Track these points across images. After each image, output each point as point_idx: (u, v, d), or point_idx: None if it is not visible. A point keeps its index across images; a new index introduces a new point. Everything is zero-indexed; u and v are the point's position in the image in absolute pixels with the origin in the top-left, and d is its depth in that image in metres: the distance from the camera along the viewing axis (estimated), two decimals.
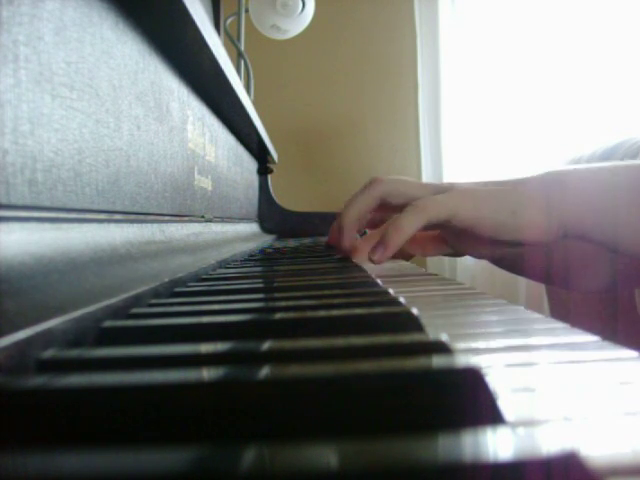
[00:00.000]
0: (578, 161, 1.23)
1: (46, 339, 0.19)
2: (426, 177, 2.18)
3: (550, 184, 0.48)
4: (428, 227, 0.48)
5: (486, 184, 0.51)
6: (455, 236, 0.53)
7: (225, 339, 0.20)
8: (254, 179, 1.25)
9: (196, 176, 0.65)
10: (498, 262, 0.58)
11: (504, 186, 0.49)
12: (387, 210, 0.55)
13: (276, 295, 0.35)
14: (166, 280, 0.35)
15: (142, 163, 0.44)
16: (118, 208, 0.39)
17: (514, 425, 0.14)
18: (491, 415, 0.14)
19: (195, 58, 0.55)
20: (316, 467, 0.10)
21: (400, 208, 0.49)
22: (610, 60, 1.95)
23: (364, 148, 2.22)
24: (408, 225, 0.47)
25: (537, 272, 0.51)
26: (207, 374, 0.15)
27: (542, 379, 0.18)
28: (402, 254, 0.72)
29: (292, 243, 1.05)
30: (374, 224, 0.61)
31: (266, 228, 1.29)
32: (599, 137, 1.68)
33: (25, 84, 0.26)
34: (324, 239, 1.16)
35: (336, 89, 2.22)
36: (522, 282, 1.99)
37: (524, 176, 0.51)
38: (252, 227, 1.17)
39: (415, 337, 0.19)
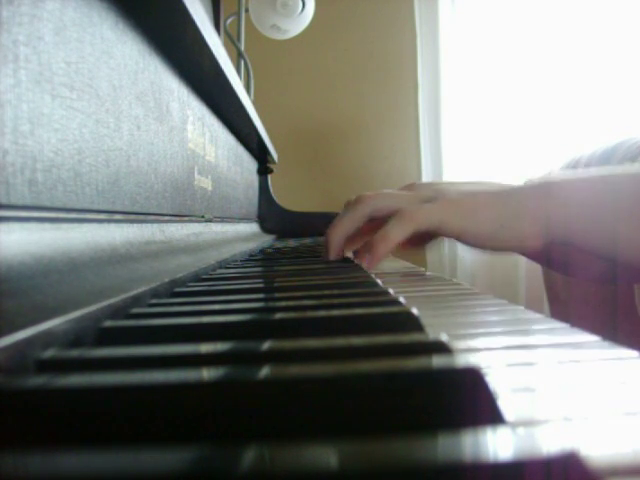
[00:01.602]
0: (578, 161, 1.23)
1: (46, 339, 0.19)
2: (426, 177, 2.18)
3: (541, 193, 0.48)
4: (414, 235, 0.49)
5: (479, 191, 0.50)
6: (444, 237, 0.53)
7: (225, 339, 0.20)
8: (254, 179, 1.25)
9: (196, 176, 0.65)
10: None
11: (496, 195, 0.49)
12: (376, 224, 0.55)
13: (276, 295, 0.35)
14: (166, 280, 0.35)
15: (142, 163, 0.44)
16: (118, 208, 0.39)
17: (514, 425, 0.14)
18: (491, 415, 0.14)
19: (195, 58, 0.55)
20: (316, 467, 0.10)
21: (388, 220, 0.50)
22: (610, 60, 1.95)
23: (364, 148, 2.22)
24: (394, 235, 0.47)
25: (537, 255, 0.51)
26: (207, 374, 0.15)
27: (542, 379, 0.18)
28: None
29: (292, 243, 1.05)
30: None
31: (266, 228, 1.29)
32: (599, 137, 1.68)
33: (25, 84, 0.26)
34: (324, 239, 1.16)
35: (336, 89, 2.22)
36: (522, 282, 1.99)
37: (516, 185, 0.51)
38: (252, 227, 1.17)
39: (415, 337, 0.19)
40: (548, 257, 0.50)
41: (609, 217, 0.46)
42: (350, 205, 0.53)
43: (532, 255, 0.51)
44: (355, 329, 0.22)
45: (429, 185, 0.56)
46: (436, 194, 0.50)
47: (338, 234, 0.53)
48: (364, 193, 0.53)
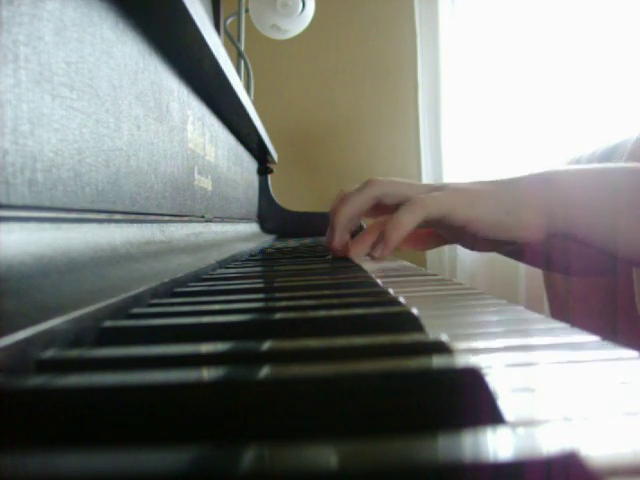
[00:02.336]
0: (578, 161, 1.23)
1: (46, 339, 0.19)
2: (426, 177, 2.18)
3: (542, 184, 0.48)
4: (424, 224, 0.49)
5: (481, 183, 0.51)
6: (450, 232, 0.53)
7: (225, 339, 0.20)
8: (254, 179, 1.25)
9: (196, 176, 0.65)
10: (496, 248, 0.58)
11: (498, 185, 0.50)
12: (381, 211, 0.54)
13: (276, 295, 0.35)
14: (166, 280, 0.35)
15: (142, 163, 0.44)
16: (118, 208, 0.39)
17: (514, 425, 0.14)
18: (491, 415, 0.14)
19: (195, 58, 0.55)
20: (316, 467, 0.10)
21: (394, 208, 0.50)
22: (610, 60, 1.95)
23: (364, 148, 2.22)
24: (407, 221, 0.47)
25: (536, 258, 0.51)
26: (207, 374, 0.15)
27: (542, 379, 0.18)
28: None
29: (292, 243, 1.05)
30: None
31: (266, 228, 1.29)
32: (599, 137, 1.68)
33: (25, 84, 0.26)
34: (324, 239, 1.16)
35: (336, 89, 2.22)
36: (522, 282, 1.99)
37: (518, 175, 0.51)
38: (252, 227, 1.17)
39: (415, 337, 0.19)
40: (547, 256, 0.50)
41: (609, 209, 0.46)
42: (359, 187, 0.53)
43: (531, 257, 0.52)
44: (355, 329, 0.22)
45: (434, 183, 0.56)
46: (444, 184, 0.51)
47: (344, 216, 0.52)
48: (374, 177, 0.53)
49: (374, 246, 0.49)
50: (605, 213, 0.46)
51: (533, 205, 0.47)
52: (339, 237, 0.53)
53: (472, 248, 0.55)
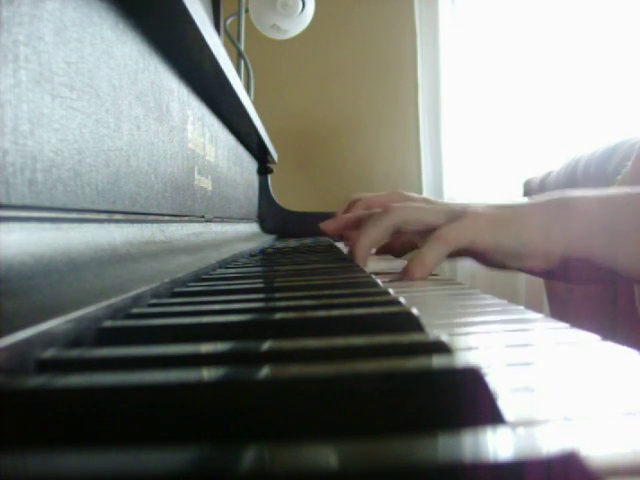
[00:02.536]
0: (578, 161, 1.23)
1: (46, 339, 0.19)
2: (426, 177, 2.18)
3: (561, 210, 0.48)
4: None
5: (499, 207, 0.51)
6: (464, 255, 0.53)
7: (225, 339, 0.20)
8: (254, 179, 1.25)
9: (196, 176, 0.65)
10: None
11: (516, 211, 0.50)
12: (401, 236, 0.55)
13: (276, 295, 0.35)
14: (166, 280, 0.35)
15: (142, 163, 0.44)
16: (118, 208, 0.39)
17: (514, 425, 0.14)
18: (491, 415, 0.14)
19: (195, 58, 0.55)
20: (316, 467, 0.10)
21: (414, 234, 0.50)
22: (610, 61, 1.95)
23: (364, 148, 2.22)
24: (430, 259, 0.48)
25: (536, 270, 0.51)
26: (207, 374, 0.15)
27: (542, 379, 0.18)
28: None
29: (292, 243, 1.05)
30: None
31: (266, 228, 1.29)
32: (599, 137, 1.68)
33: (25, 84, 0.26)
34: (324, 239, 1.16)
35: (336, 89, 2.22)
36: (522, 282, 2.00)
37: (535, 199, 0.51)
38: (252, 227, 1.17)
39: (415, 337, 0.19)
40: (549, 271, 0.51)
41: (631, 233, 0.46)
42: (377, 215, 0.53)
43: (531, 270, 0.52)
44: (355, 329, 0.22)
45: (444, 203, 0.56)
46: (462, 208, 0.51)
47: (365, 246, 0.53)
48: (392, 205, 0.53)
49: (398, 280, 0.49)
50: (627, 238, 0.46)
51: (551, 234, 0.47)
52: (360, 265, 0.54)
53: (485, 266, 0.55)
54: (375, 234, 0.52)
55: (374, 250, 0.81)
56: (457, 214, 0.50)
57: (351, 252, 0.54)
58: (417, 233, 0.53)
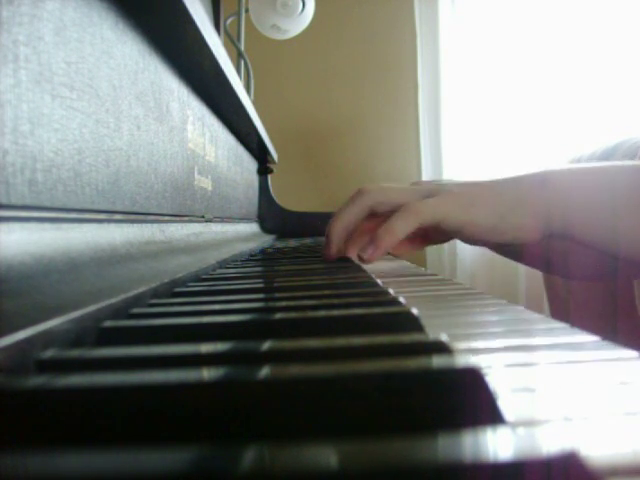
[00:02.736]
0: (578, 161, 1.23)
1: (46, 339, 0.19)
2: (426, 177, 2.18)
3: (539, 184, 0.48)
4: (417, 230, 0.48)
5: (476, 184, 0.51)
6: (445, 235, 0.53)
7: (225, 339, 0.20)
8: (254, 179, 1.25)
9: (196, 176, 0.65)
10: (495, 249, 0.58)
11: (494, 186, 0.49)
12: (376, 218, 0.54)
13: (276, 295, 0.35)
14: (166, 280, 0.35)
15: (142, 163, 0.44)
16: (118, 208, 0.39)
17: (514, 425, 0.14)
18: (491, 415, 0.14)
19: (195, 58, 0.55)
20: (316, 467, 0.10)
21: (389, 216, 0.49)
22: (610, 60, 1.95)
23: (364, 148, 2.22)
24: (399, 228, 0.47)
25: (536, 260, 0.51)
26: (207, 374, 0.15)
27: (542, 379, 0.18)
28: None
29: (292, 243, 1.05)
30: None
31: (266, 228, 1.29)
32: (599, 137, 1.68)
33: (25, 84, 0.26)
34: (324, 239, 1.16)
35: (336, 89, 2.22)
36: (522, 282, 1.99)
37: (515, 175, 0.51)
38: (252, 227, 1.17)
39: (415, 337, 0.19)
40: (547, 258, 0.50)
41: (608, 208, 0.45)
42: (351, 198, 0.53)
43: (531, 259, 0.51)
44: (355, 329, 0.22)
45: (430, 182, 0.56)
46: (437, 187, 0.50)
47: (339, 227, 0.52)
48: (365, 185, 0.53)
49: (364, 248, 0.49)
50: (604, 212, 0.46)
51: (529, 207, 0.47)
52: (335, 248, 0.53)
53: (470, 244, 0.54)
54: (348, 216, 0.52)
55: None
56: (432, 192, 0.50)
57: (326, 237, 0.54)
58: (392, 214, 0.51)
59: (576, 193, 0.47)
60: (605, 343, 0.22)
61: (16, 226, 0.25)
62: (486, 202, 0.48)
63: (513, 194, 0.48)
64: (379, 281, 0.38)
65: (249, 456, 0.10)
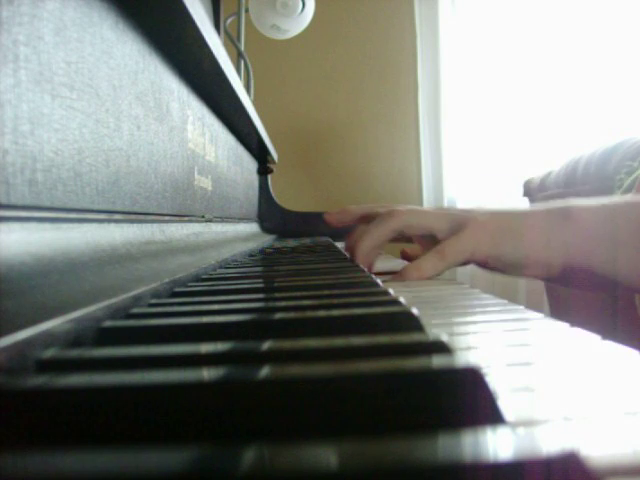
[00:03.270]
0: (578, 161, 1.23)
1: (46, 339, 0.19)
2: (426, 177, 2.18)
3: (561, 219, 0.49)
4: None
5: (501, 215, 0.51)
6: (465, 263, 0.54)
7: (225, 339, 0.20)
8: (254, 179, 1.25)
9: (196, 176, 0.65)
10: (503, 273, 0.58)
11: (518, 220, 0.50)
12: (403, 239, 0.56)
13: (276, 295, 0.35)
14: (166, 280, 0.35)
15: (142, 163, 0.44)
16: (118, 208, 0.39)
17: (514, 425, 0.14)
18: (491, 415, 0.14)
19: (195, 58, 0.55)
20: (316, 467, 0.10)
21: (417, 238, 0.52)
22: (610, 60, 1.95)
23: (364, 148, 2.22)
24: (428, 268, 0.49)
25: (537, 275, 0.51)
26: (207, 374, 0.15)
27: (542, 379, 0.18)
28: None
29: (292, 243, 1.05)
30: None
31: (266, 228, 1.29)
32: (599, 137, 1.68)
33: (25, 84, 0.26)
34: (324, 239, 1.16)
35: (336, 89, 2.22)
36: (522, 282, 1.99)
37: (536, 207, 0.52)
38: (252, 227, 1.17)
39: (415, 337, 0.19)
40: (550, 278, 0.51)
41: (630, 244, 0.46)
42: (382, 217, 0.53)
43: (532, 275, 0.52)
44: (355, 329, 0.22)
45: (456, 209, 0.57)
46: (465, 215, 0.51)
47: (367, 246, 0.53)
48: (397, 208, 0.54)
49: (393, 279, 0.50)
50: (628, 248, 0.46)
51: (551, 244, 0.48)
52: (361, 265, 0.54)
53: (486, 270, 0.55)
54: (377, 237, 0.53)
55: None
56: (459, 221, 0.50)
57: (352, 252, 0.54)
58: (420, 238, 0.53)
59: (599, 229, 0.48)
60: (605, 343, 0.22)
61: (16, 226, 0.25)
62: (512, 238, 0.49)
63: (536, 231, 0.49)
64: (379, 281, 0.38)
65: (249, 456, 0.10)
